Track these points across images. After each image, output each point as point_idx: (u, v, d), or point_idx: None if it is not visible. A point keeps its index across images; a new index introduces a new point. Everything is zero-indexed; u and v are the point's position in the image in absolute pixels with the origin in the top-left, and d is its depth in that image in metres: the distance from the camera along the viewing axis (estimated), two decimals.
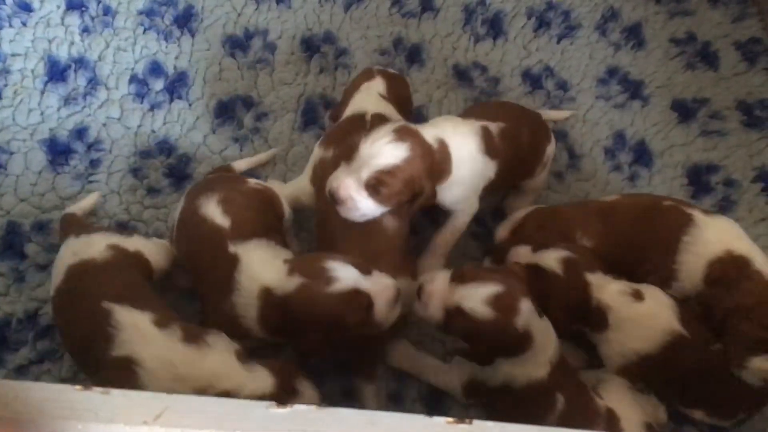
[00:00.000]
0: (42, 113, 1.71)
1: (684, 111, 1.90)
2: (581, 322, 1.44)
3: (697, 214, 1.43)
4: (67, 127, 1.70)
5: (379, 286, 1.28)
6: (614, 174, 1.78)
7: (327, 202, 1.39)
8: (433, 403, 1.46)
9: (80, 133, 1.69)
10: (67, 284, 1.30)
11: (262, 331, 1.32)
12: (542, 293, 1.37)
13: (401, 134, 1.35)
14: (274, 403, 0.87)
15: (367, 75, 1.63)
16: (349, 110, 1.56)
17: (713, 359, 1.37)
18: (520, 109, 1.66)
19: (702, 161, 1.82)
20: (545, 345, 1.32)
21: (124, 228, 1.59)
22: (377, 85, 1.60)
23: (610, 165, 1.80)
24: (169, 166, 1.68)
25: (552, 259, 1.43)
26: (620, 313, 1.40)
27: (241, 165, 1.65)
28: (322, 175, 1.47)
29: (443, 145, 1.42)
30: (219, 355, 1.23)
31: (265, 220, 1.43)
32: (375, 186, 1.33)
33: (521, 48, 1.96)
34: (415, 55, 1.91)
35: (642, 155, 1.82)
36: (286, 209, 1.51)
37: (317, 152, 1.54)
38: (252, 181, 1.50)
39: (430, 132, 1.41)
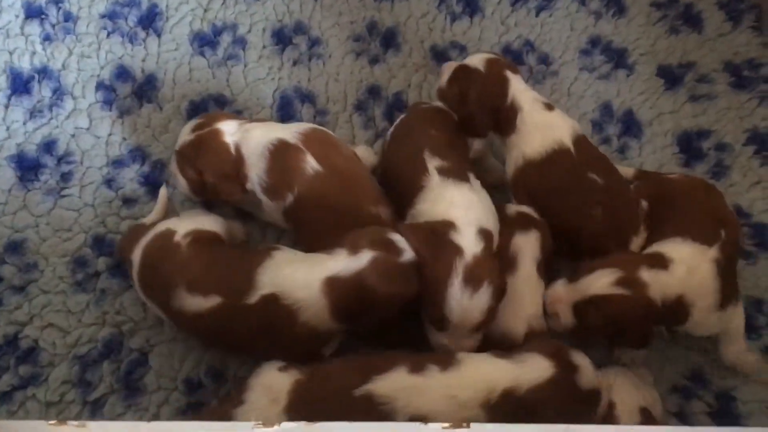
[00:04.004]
0: (8, 128, 1.65)
1: (670, 77, 1.84)
2: (494, 124, 1.51)
3: None
4: (34, 141, 1.64)
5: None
6: (603, 147, 1.72)
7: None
8: None
9: (49, 146, 1.63)
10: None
11: (336, 324, 1.26)
12: (464, 93, 1.49)
13: None
14: (260, 422, 0.83)
15: None
16: None
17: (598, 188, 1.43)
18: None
19: (692, 127, 1.77)
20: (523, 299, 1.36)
21: (101, 242, 1.54)
22: None
23: (599, 138, 1.75)
24: (143, 174, 1.62)
25: (476, 58, 1.54)
26: (528, 116, 1.48)
27: (150, 221, 1.50)
28: None
29: None
30: (477, 363, 1.22)
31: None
32: None
33: (499, 24, 1.90)
34: (390, 40, 1.85)
35: (630, 126, 1.77)
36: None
37: None
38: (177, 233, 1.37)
39: None
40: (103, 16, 1.80)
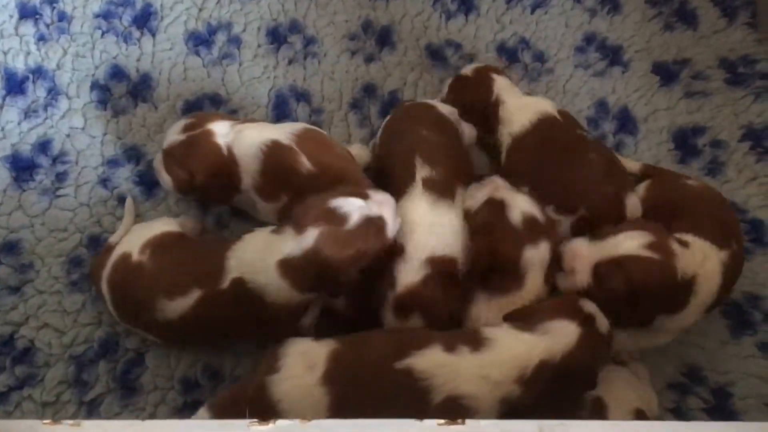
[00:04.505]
0: (2, 129, 1.64)
1: (666, 74, 1.84)
2: (483, 122, 1.59)
3: None
4: (29, 141, 1.63)
5: (383, 203, 1.28)
6: None
7: None
8: None
9: (44, 146, 1.63)
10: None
11: (305, 295, 1.27)
12: (461, 100, 1.60)
13: None
14: (255, 420, 0.82)
15: None
16: None
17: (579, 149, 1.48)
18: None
19: (687, 124, 1.77)
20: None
21: (97, 242, 1.53)
22: None
23: (595, 135, 1.74)
24: (139, 174, 1.62)
25: (468, 68, 1.66)
26: (509, 104, 1.57)
27: (117, 237, 1.45)
28: None
29: None
30: (505, 338, 1.21)
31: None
32: None
33: (494, 21, 1.90)
34: (385, 38, 1.84)
35: (626, 123, 1.77)
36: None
37: None
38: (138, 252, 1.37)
39: None
40: (97, 16, 1.80)
